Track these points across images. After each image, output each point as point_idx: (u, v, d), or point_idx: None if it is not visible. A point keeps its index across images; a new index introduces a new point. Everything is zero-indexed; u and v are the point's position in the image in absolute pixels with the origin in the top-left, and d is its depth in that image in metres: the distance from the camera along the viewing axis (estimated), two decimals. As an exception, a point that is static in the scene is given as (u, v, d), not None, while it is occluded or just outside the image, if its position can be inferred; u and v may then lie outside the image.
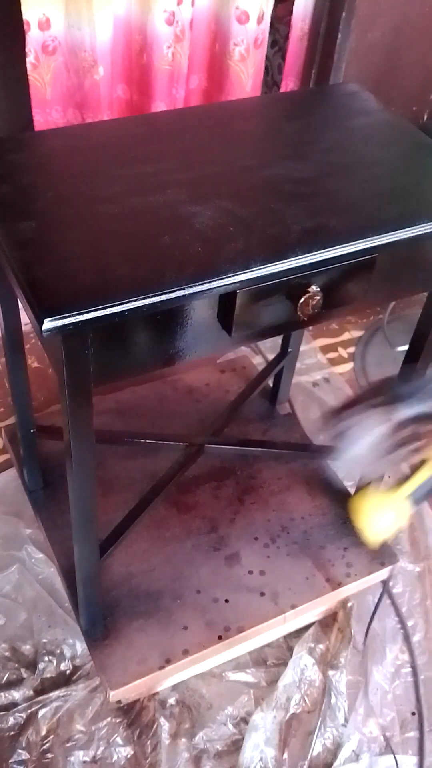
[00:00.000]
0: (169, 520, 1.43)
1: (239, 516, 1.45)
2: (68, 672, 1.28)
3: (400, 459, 0.89)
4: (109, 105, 1.45)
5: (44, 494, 1.44)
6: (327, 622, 1.37)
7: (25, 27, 1.30)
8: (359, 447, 0.88)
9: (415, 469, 0.93)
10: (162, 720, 1.23)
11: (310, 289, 0.87)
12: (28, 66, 1.35)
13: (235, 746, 1.22)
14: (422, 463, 0.92)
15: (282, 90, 1.63)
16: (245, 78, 1.51)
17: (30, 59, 1.34)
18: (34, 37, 1.32)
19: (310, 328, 1.95)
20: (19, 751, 1.18)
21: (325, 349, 1.93)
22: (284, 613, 1.31)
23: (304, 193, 0.95)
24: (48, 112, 1.43)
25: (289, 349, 1.55)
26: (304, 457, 1.57)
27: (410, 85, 1.87)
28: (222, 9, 1.45)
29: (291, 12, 1.51)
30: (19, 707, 1.22)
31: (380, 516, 0.88)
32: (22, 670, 1.27)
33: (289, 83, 1.64)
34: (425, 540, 1.52)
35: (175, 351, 0.88)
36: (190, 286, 0.80)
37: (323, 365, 1.88)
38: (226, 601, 1.32)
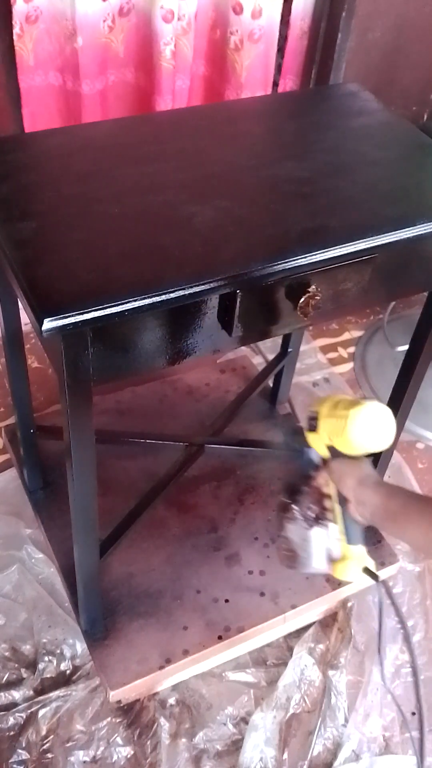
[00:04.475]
0: (169, 520, 1.43)
1: (239, 516, 1.45)
2: (68, 672, 1.28)
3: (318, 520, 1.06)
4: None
5: (44, 494, 1.44)
6: (327, 622, 1.37)
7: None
8: (307, 553, 1.06)
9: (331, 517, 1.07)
10: (162, 720, 1.23)
11: (310, 289, 0.87)
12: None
13: (235, 746, 1.22)
14: (331, 510, 1.06)
15: (281, 89, 1.63)
16: (239, 68, 1.51)
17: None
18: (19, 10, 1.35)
19: (310, 328, 1.95)
20: (19, 751, 1.18)
21: (325, 349, 1.93)
22: (284, 613, 1.31)
23: (304, 193, 0.95)
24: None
25: (289, 349, 1.55)
26: (304, 457, 1.57)
27: (410, 85, 1.87)
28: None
29: (290, 11, 1.52)
30: (19, 707, 1.22)
31: (348, 568, 1.07)
32: (22, 670, 1.27)
33: (288, 83, 1.64)
34: (425, 540, 1.52)
35: (175, 351, 0.88)
36: (190, 286, 0.80)
37: (323, 365, 1.88)
38: (226, 601, 1.32)
